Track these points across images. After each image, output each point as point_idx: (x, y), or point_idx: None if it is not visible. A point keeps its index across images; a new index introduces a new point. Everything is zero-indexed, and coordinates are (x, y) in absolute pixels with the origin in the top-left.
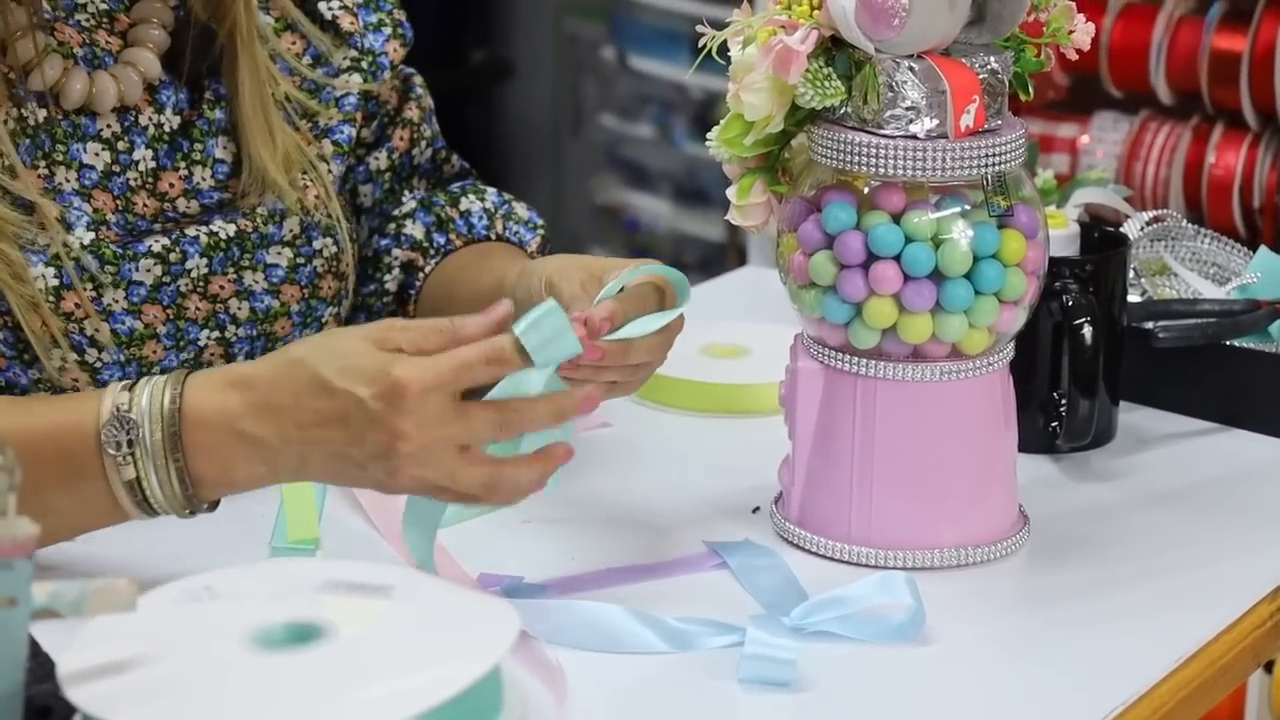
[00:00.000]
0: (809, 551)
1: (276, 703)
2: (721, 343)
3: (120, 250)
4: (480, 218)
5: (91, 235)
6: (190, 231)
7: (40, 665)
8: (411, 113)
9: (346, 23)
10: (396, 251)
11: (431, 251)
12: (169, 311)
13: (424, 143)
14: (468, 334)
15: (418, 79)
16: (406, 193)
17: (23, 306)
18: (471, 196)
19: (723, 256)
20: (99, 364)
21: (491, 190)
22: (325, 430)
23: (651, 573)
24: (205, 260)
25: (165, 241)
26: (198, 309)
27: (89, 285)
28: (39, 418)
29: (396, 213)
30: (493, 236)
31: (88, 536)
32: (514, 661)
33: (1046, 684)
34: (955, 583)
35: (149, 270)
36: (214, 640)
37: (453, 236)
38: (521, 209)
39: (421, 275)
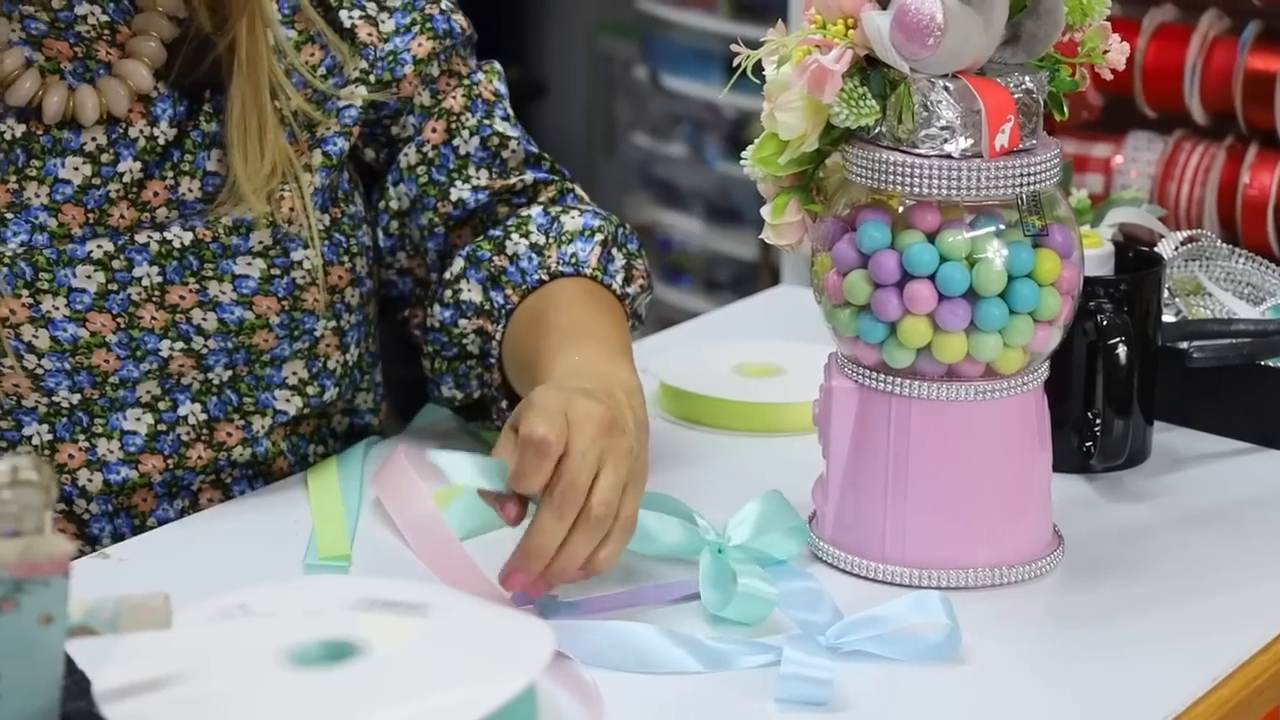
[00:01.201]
0: (843, 571)
1: None
2: (755, 361)
3: (55, 256)
4: (529, 259)
5: (21, 245)
6: (140, 238)
7: (76, 682)
8: (453, 102)
9: (364, 33)
10: (463, 322)
11: (496, 314)
12: (119, 320)
13: (467, 131)
14: None
15: (488, 66)
16: (459, 183)
17: None
18: (516, 236)
19: (755, 275)
20: (40, 370)
21: (537, 211)
22: None
23: (686, 591)
24: (157, 268)
25: (109, 247)
26: (154, 318)
27: (24, 291)
28: None
29: (448, 276)
30: (545, 277)
31: (124, 554)
32: (549, 681)
33: (1081, 704)
34: (990, 602)
35: (89, 277)
36: (248, 658)
37: (509, 292)
38: (572, 220)
39: (495, 342)
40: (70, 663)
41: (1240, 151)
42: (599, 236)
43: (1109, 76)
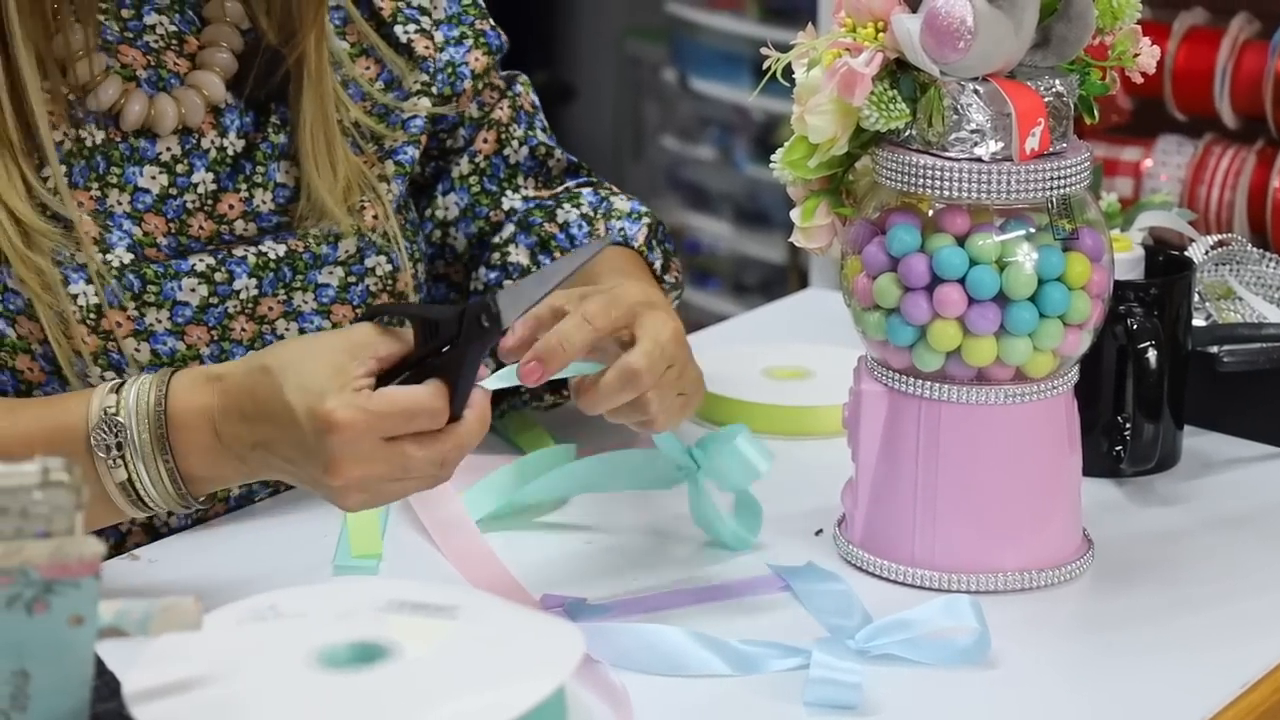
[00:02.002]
0: (872, 574)
1: None
2: (784, 365)
3: (162, 269)
4: (580, 226)
5: (131, 256)
6: (238, 252)
7: (106, 683)
8: (501, 113)
9: (421, 46)
10: (508, 284)
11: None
12: (214, 333)
13: (516, 141)
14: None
15: (521, 79)
16: (510, 192)
17: (50, 319)
18: (568, 205)
19: (784, 278)
20: None
21: (588, 190)
22: (276, 443)
23: (714, 595)
24: (255, 281)
25: (210, 261)
26: (243, 330)
27: (131, 304)
28: (30, 422)
29: (496, 239)
30: None
31: (154, 555)
32: (577, 684)
33: (1111, 708)
34: (1019, 606)
35: (193, 290)
36: (278, 659)
37: (557, 255)
38: (621, 202)
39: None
40: (100, 664)
41: (1271, 155)
42: (646, 221)
43: (1139, 80)
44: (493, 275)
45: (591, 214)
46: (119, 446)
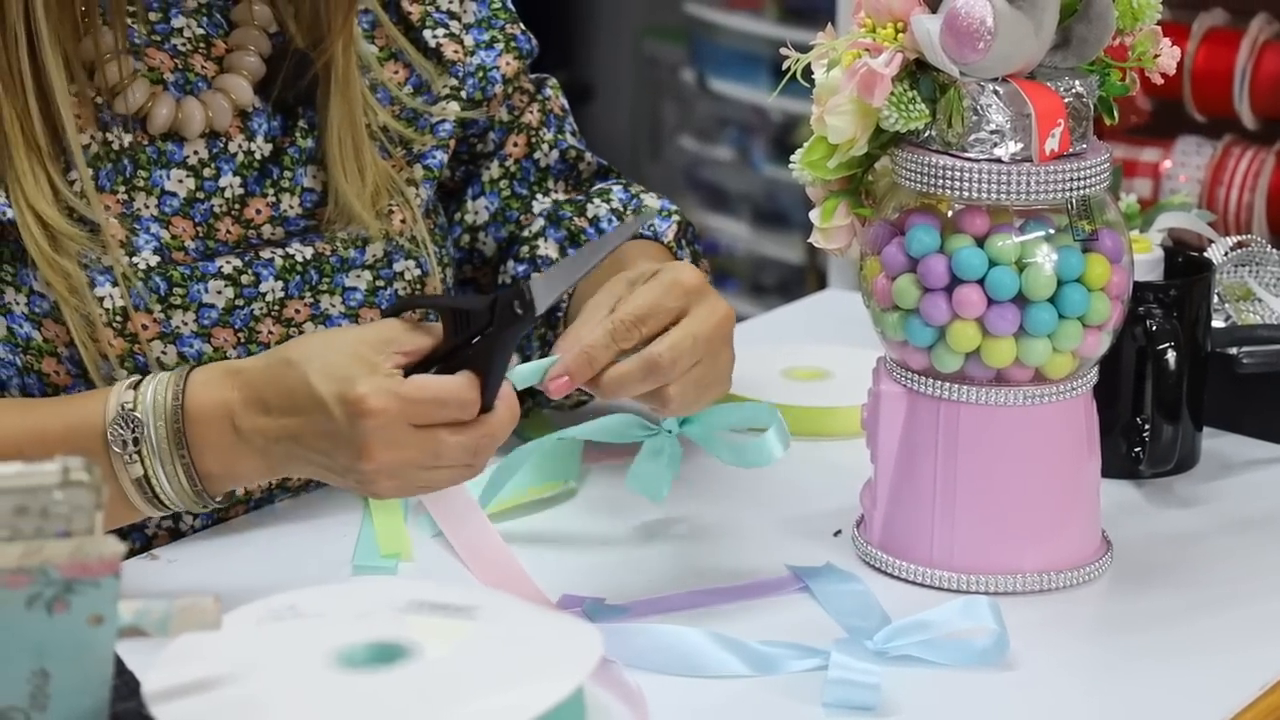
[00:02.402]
0: (891, 575)
1: None
2: (803, 366)
3: (188, 271)
4: (609, 221)
5: (157, 259)
6: (265, 254)
7: (125, 683)
8: (531, 117)
9: (450, 51)
10: (536, 276)
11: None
12: (240, 335)
13: (546, 145)
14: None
15: (550, 82)
16: (540, 196)
17: (77, 323)
18: (598, 200)
19: (802, 279)
20: None
21: (618, 187)
22: (304, 434)
23: (733, 595)
24: (281, 284)
25: (237, 263)
26: (270, 333)
27: (157, 307)
28: (46, 418)
29: (525, 234)
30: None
31: (173, 555)
32: (594, 684)
33: (1130, 710)
34: (1038, 608)
35: (219, 292)
36: (298, 659)
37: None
38: (651, 200)
39: (567, 297)
40: (120, 663)
41: None
42: (675, 219)
43: (1159, 81)
44: (521, 268)
45: (621, 209)
46: (135, 442)
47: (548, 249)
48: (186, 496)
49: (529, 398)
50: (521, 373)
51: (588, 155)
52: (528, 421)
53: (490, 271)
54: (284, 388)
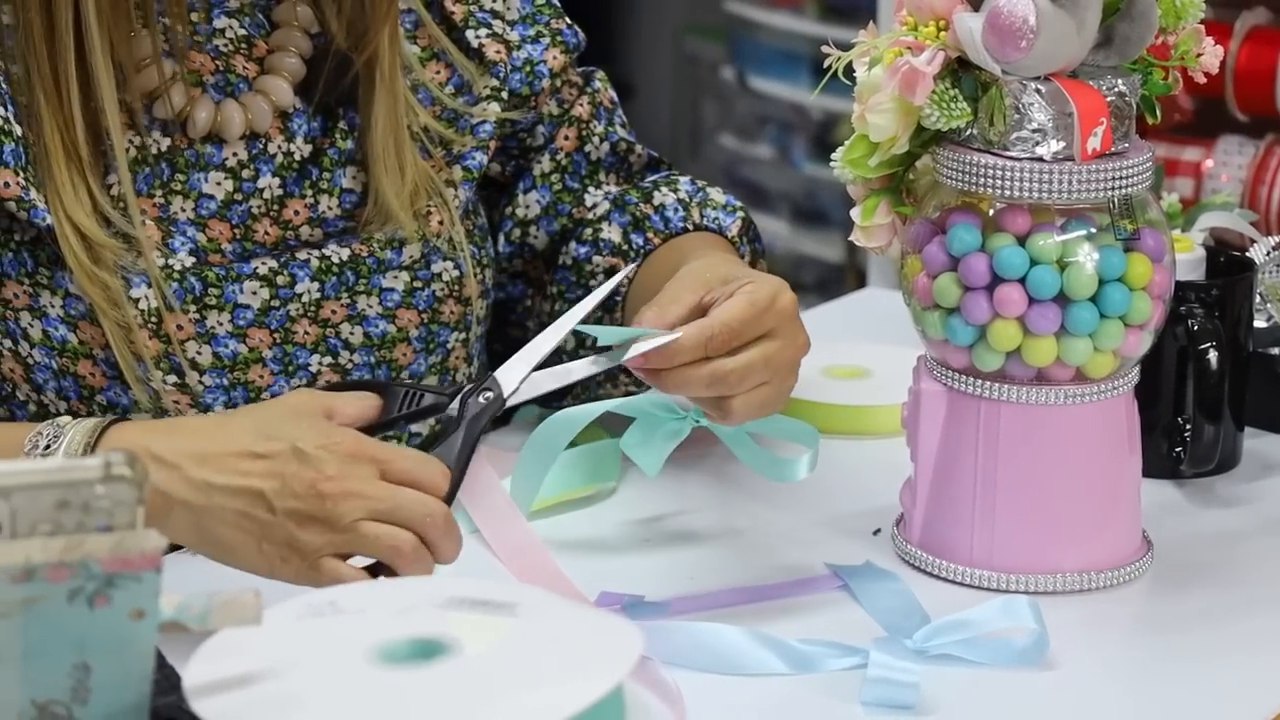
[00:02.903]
0: (930, 574)
1: (399, 719)
2: (843, 364)
3: (223, 272)
4: (675, 210)
5: (193, 260)
6: (300, 255)
7: (166, 677)
8: (581, 109)
9: (492, 51)
10: (597, 259)
11: (632, 254)
12: (276, 335)
13: (597, 138)
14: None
15: (599, 75)
16: (592, 189)
17: (115, 332)
18: (665, 189)
19: (841, 278)
20: (200, 387)
21: (685, 179)
22: (243, 461)
23: (772, 593)
24: (317, 285)
25: (273, 264)
26: (306, 333)
27: (192, 308)
28: None
29: (590, 216)
30: (690, 227)
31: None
32: (631, 681)
33: (1169, 711)
34: (1078, 608)
35: (255, 293)
36: (338, 655)
37: (650, 235)
38: (717, 194)
39: (627, 281)
40: (161, 658)
41: None
42: (740, 215)
43: (1202, 80)
44: (583, 250)
45: (688, 200)
46: (47, 447)
47: (611, 233)
48: None
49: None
50: (605, 332)
51: (638, 147)
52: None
53: (541, 265)
54: (231, 429)
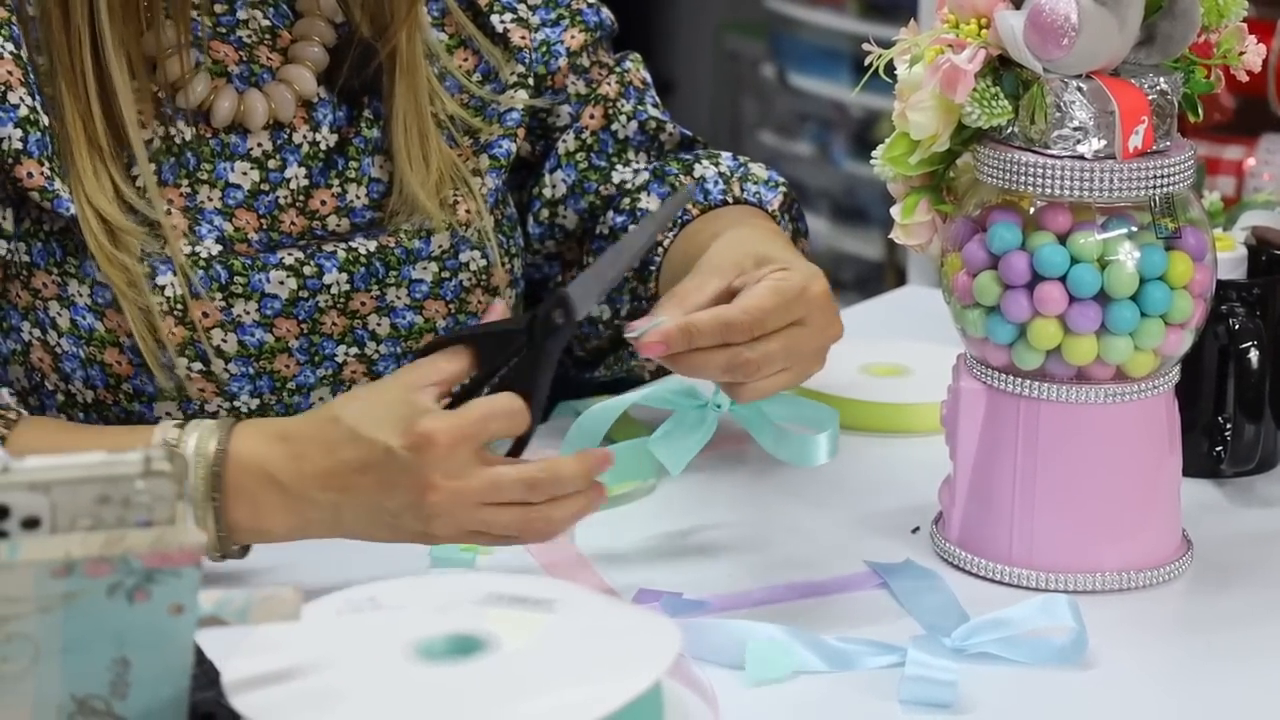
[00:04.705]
0: (969, 573)
1: (437, 714)
2: (882, 362)
3: (250, 261)
4: (715, 183)
5: (220, 248)
6: (328, 247)
7: (205, 672)
8: (608, 89)
9: (517, 37)
10: (634, 228)
11: (670, 225)
12: (304, 326)
13: (624, 116)
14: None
15: (632, 56)
16: (620, 166)
17: (136, 316)
18: (706, 162)
19: (880, 276)
20: (226, 375)
21: (726, 155)
22: (358, 479)
23: (811, 591)
24: (345, 276)
25: (300, 255)
26: (334, 324)
27: (218, 295)
28: (91, 448)
29: (629, 185)
30: (729, 200)
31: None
32: (668, 679)
33: (1209, 711)
34: (1117, 607)
35: (282, 283)
36: (376, 651)
37: (690, 206)
38: (759, 169)
39: (661, 250)
40: (200, 653)
41: None
42: (782, 190)
43: (1244, 78)
44: (620, 219)
45: (729, 174)
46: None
47: (649, 203)
48: (209, 542)
49: (620, 347)
50: (639, 324)
51: (669, 126)
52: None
53: (575, 245)
54: (335, 441)
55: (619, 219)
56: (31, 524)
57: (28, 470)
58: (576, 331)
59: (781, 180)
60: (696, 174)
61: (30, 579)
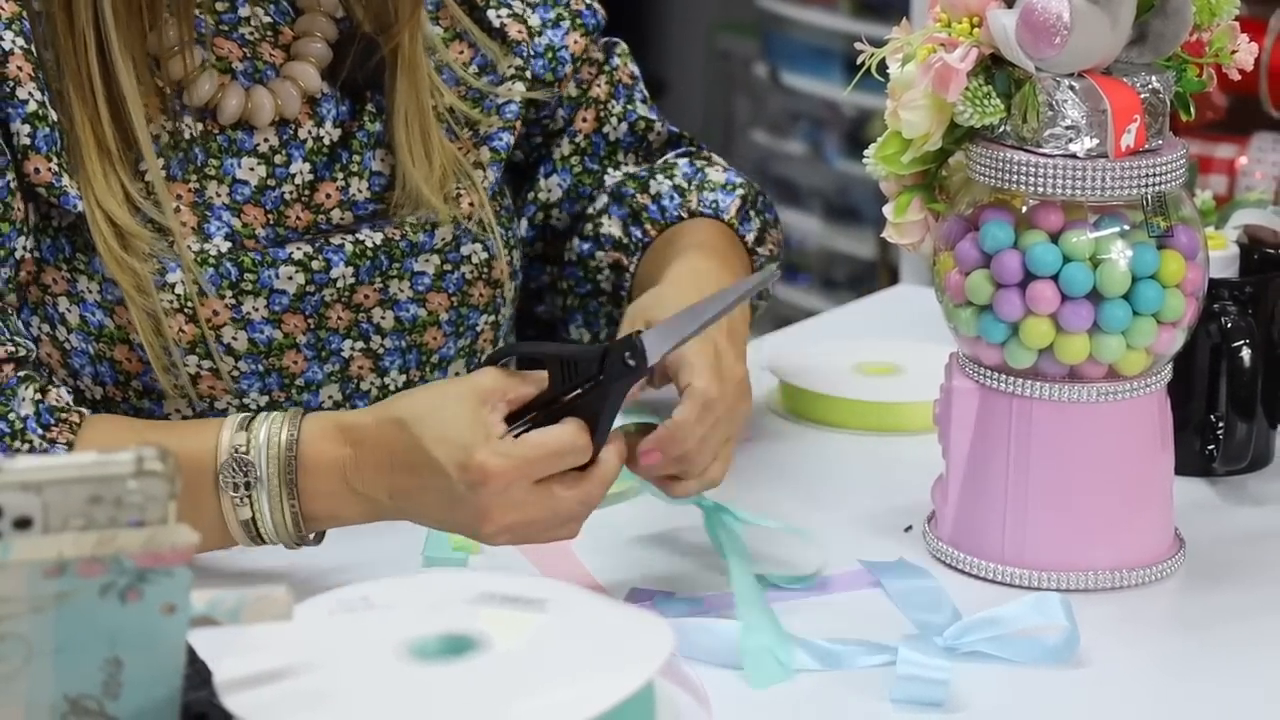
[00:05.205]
0: (962, 571)
1: (430, 714)
2: (875, 360)
3: (259, 257)
4: (671, 198)
5: (229, 245)
6: (335, 240)
7: (197, 672)
8: (598, 90)
9: (514, 31)
10: (600, 255)
11: (632, 248)
12: (310, 321)
13: (615, 118)
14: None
15: (619, 49)
16: (611, 169)
17: (143, 320)
18: (661, 176)
19: (873, 274)
20: (236, 373)
21: (684, 160)
22: (421, 497)
23: (802, 591)
24: (351, 269)
25: (308, 249)
26: (340, 318)
27: (228, 293)
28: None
29: (590, 210)
30: (685, 215)
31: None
32: (660, 678)
33: (1202, 708)
34: (1109, 605)
35: (290, 278)
36: (369, 650)
37: (648, 227)
38: (716, 173)
39: (628, 274)
40: (192, 653)
41: None
42: (740, 192)
43: (1236, 77)
44: (585, 246)
45: (685, 185)
46: (247, 486)
47: (611, 227)
48: (287, 535)
49: None
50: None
51: (658, 125)
52: None
53: (561, 246)
54: (397, 450)
55: (584, 246)
56: (24, 524)
57: (19, 470)
58: (646, 377)
59: (740, 181)
60: (652, 190)
61: (23, 579)
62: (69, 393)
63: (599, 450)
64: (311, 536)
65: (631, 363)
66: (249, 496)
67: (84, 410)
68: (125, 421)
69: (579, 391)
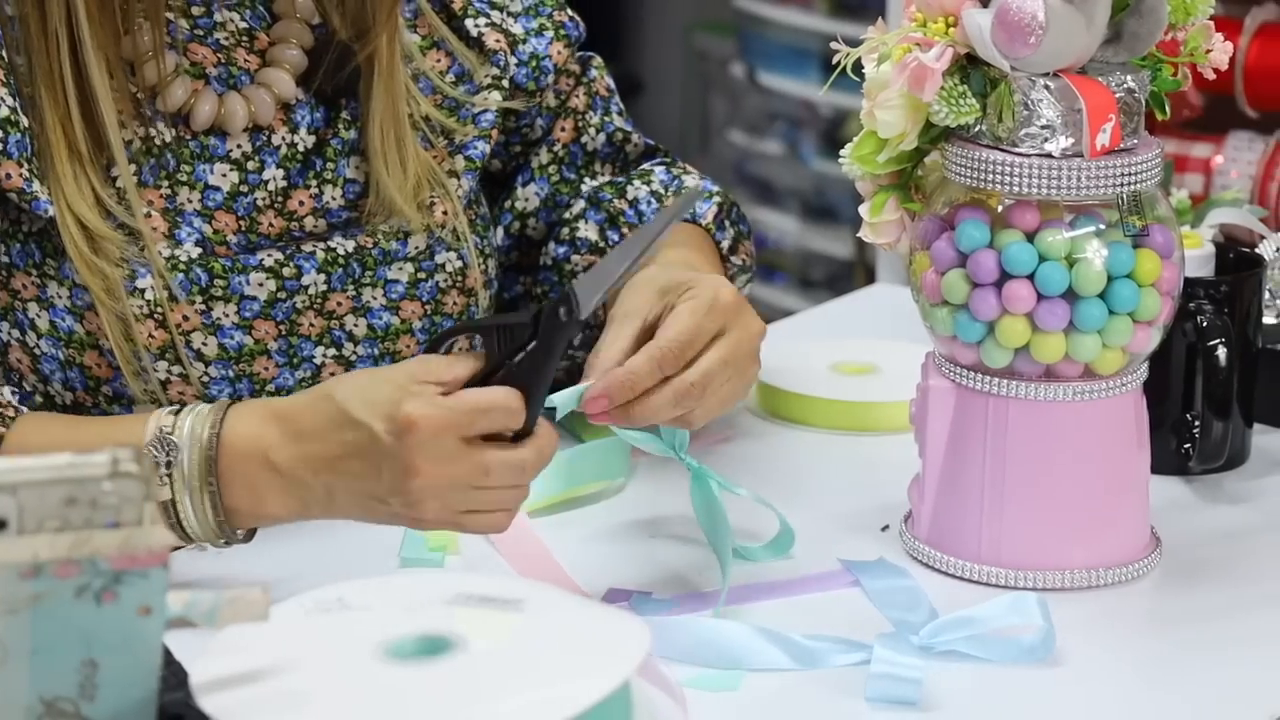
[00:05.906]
0: (938, 571)
1: (406, 715)
2: (851, 360)
3: (229, 263)
4: (649, 203)
5: (199, 251)
6: (306, 247)
7: (173, 674)
8: (577, 100)
9: (492, 40)
10: (575, 258)
11: (608, 251)
12: (281, 327)
13: (593, 129)
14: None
15: (595, 62)
16: (588, 179)
17: (113, 324)
18: (638, 182)
19: (850, 274)
20: (206, 379)
21: (660, 168)
22: (347, 463)
23: (781, 590)
24: (323, 276)
25: (279, 256)
26: (312, 325)
27: (198, 298)
28: (90, 438)
29: (567, 215)
30: None
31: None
32: (636, 678)
33: (1178, 707)
34: (1085, 604)
35: (261, 285)
36: (345, 651)
37: (625, 230)
38: (693, 180)
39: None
40: (168, 654)
41: None
42: (716, 200)
43: (1211, 76)
44: (561, 250)
45: (662, 191)
46: (168, 465)
47: (588, 231)
48: (209, 529)
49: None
50: (558, 398)
51: (634, 136)
52: (580, 422)
53: (538, 254)
54: (325, 418)
55: (560, 250)
56: None
57: None
58: (581, 329)
59: (716, 190)
60: (630, 196)
61: None
62: (12, 392)
63: (538, 409)
64: (240, 534)
65: (564, 318)
66: (169, 477)
67: (21, 407)
68: (61, 417)
69: (520, 358)
